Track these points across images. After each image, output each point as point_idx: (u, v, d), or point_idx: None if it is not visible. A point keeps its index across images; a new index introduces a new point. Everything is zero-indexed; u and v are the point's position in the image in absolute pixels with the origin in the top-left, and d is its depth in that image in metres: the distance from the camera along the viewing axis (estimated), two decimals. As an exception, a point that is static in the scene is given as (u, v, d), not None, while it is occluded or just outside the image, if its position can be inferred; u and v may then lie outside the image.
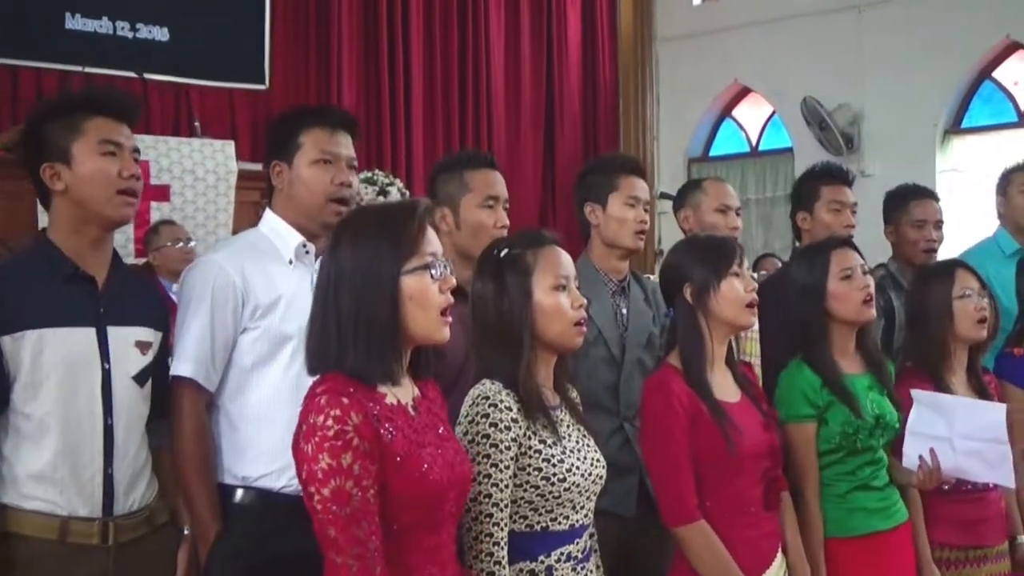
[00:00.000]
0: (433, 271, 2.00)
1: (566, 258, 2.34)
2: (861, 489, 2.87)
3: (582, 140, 9.04)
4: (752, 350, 3.26)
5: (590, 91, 9.16)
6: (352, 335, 1.93)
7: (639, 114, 9.22)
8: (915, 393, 2.89)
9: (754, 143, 9.15)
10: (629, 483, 2.96)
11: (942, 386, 3.03)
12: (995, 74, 8.03)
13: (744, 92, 9.09)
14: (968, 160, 7.94)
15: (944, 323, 3.09)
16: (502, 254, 2.30)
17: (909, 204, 3.85)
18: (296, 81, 7.56)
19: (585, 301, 2.31)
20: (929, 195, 3.89)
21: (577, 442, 2.30)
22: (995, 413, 2.87)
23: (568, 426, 2.31)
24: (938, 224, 3.85)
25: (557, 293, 2.28)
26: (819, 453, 2.85)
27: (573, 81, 9.07)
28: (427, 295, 1.98)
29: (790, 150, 8.66)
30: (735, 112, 9.24)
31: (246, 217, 5.39)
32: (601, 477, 2.32)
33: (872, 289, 2.86)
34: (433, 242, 2.03)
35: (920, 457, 2.87)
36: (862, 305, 2.85)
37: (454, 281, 2.04)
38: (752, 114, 9.12)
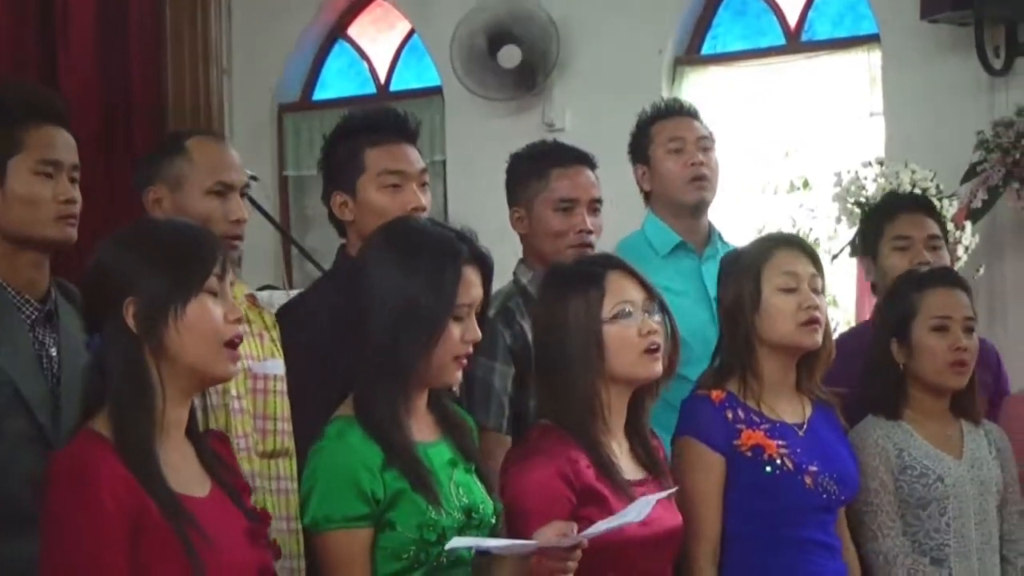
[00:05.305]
0: None
1: None
2: None
3: (100, 80, 8.07)
4: (277, 408, 3.38)
5: (113, -2, 8.44)
6: None
7: (198, 34, 8.39)
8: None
9: (383, 80, 8.70)
10: None
11: (595, 453, 3.11)
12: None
13: (364, 0, 8.65)
14: (712, 104, 7.41)
15: (589, 358, 3.15)
16: None
17: (550, 173, 3.88)
18: None
19: None
20: (577, 158, 3.94)
21: None
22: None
23: None
24: (594, 205, 3.90)
25: None
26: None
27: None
28: None
29: (439, 91, 8.23)
30: (352, 31, 8.75)
31: None
32: None
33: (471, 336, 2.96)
34: None
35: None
36: (453, 362, 2.94)
37: None
38: (379, 36, 8.70)
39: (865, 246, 4.47)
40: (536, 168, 3.91)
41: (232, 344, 2.60)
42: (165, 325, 2.53)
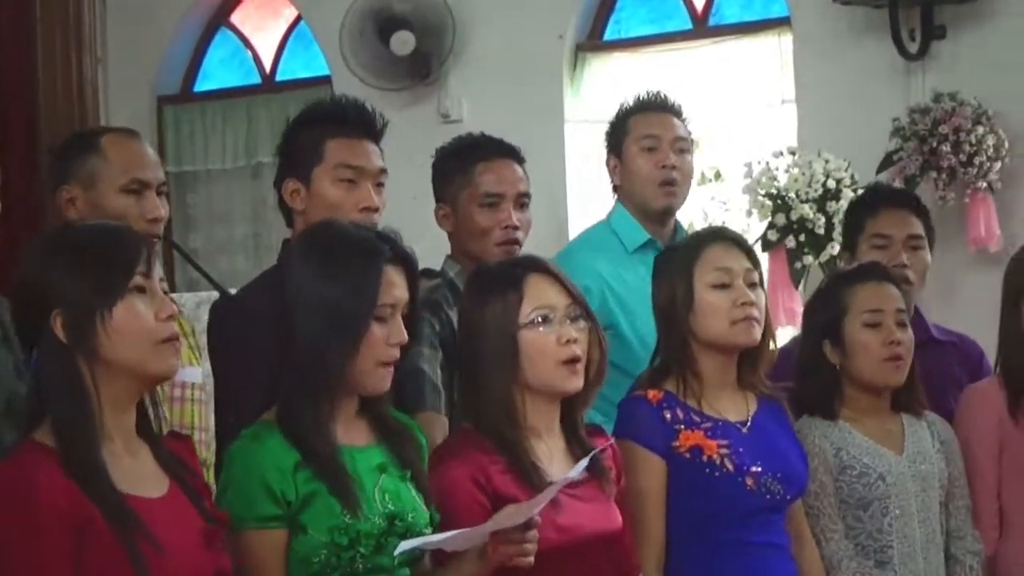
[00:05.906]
0: None
1: None
2: None
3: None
4: (195, 418, 3.57)
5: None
6: None
7: (70, 21, 8.13)
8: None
9: (268, 70, 8.73)
10: None
11: (512, 458, 3.13)
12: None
13: (250, -14, 8.75)
14: (615, 92, 7.36)
15: (504, 364, 3.19)
16: None
17: (474, 168, 3.91)
18: None
19: None
20: (503, 152, 3.97)
21: None
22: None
23: None
24: (521, 199, 3.93)
25: None
26: None
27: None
28: None
29: (327, 80, 8.22)
30: (235, 18, 8.74)
31: None
32: None
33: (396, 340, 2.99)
34: None
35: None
36: (380, 367, 2.97)
37: None
38: (264, 23, 8.72)
39: (845, 241, 4.46)
40: (460, 163, 3.93)
41: (169, 339, 2.62)
42: (94, 332, 2.57)
